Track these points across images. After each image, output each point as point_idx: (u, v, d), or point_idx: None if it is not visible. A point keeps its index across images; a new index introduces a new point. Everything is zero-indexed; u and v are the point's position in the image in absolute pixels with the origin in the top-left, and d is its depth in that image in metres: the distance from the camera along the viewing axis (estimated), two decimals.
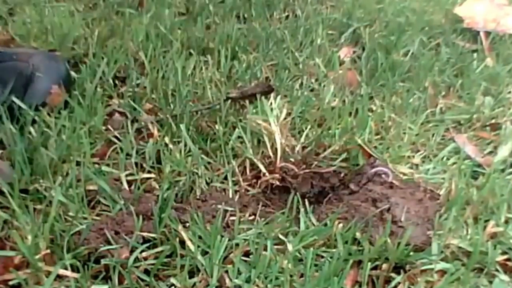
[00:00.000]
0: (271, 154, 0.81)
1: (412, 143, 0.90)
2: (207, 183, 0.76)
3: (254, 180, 0.79)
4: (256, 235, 0.67)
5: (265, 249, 0.64)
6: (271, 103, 0.90)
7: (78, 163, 0.74)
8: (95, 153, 0.79)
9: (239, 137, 0.84)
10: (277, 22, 1.24)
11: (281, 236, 0.67)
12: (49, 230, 0.63)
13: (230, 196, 0.75)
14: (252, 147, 0.82)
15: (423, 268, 0.67)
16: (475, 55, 1.23)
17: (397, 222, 0.70)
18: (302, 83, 1.03)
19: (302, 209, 0.72)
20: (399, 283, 0.65)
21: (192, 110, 0.88)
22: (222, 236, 0.65)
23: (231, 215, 0.70)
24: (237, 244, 0.66)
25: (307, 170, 0.80)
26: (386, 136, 0.90)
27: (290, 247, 0.65)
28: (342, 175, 0.81)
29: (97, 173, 0.73)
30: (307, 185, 0.79)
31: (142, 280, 0.61)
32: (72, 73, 0.92)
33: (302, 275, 0.63)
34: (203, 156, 0.80)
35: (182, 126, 0.81)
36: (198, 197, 0.74)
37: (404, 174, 0.82)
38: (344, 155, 0.84)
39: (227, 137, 0.84)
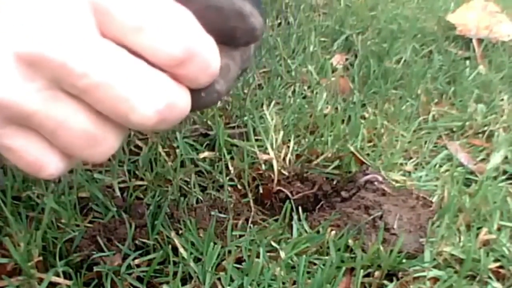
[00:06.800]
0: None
1: (404, 150, 0.91)
2: (201, 191, 0.76)
3: (248, 188, 0.79)
4: (249, 242, 0.67)
5: (258, 256, 0.64)
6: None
7: (70, 170, 0.73)
8: None
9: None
10: (269, 29, 1.24)
11: (273, 243, 0.67)
12: (42, 237, 0.62)
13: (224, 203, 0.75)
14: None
15: (415, 275, 0.67)
16: (467, 62, 1.24)
17: (390, 229, 0.71)
18: (294, 90, 1.03)
19: (295, 216, 0.72)
20: None
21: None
22: (215, 243, 0.65)
23: (224, 222, 0.70)
24: (229, 251, 0.65)
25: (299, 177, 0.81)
26: (379, 143, 0.90)
27: (282, 254, 0.65)
28: (334, 182, 0.81)
29: (90, 180, 0.73)
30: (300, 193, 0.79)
31: (135, 287, 0.61)
32: None
33: (294, 282, 0.63)
34: (198, 163, 0.80)
35: (178, 134, 0.81)
36: (191, 204, 0.74)
37: (397, 181, 0.82)
38: (336, 162, 0.84)
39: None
